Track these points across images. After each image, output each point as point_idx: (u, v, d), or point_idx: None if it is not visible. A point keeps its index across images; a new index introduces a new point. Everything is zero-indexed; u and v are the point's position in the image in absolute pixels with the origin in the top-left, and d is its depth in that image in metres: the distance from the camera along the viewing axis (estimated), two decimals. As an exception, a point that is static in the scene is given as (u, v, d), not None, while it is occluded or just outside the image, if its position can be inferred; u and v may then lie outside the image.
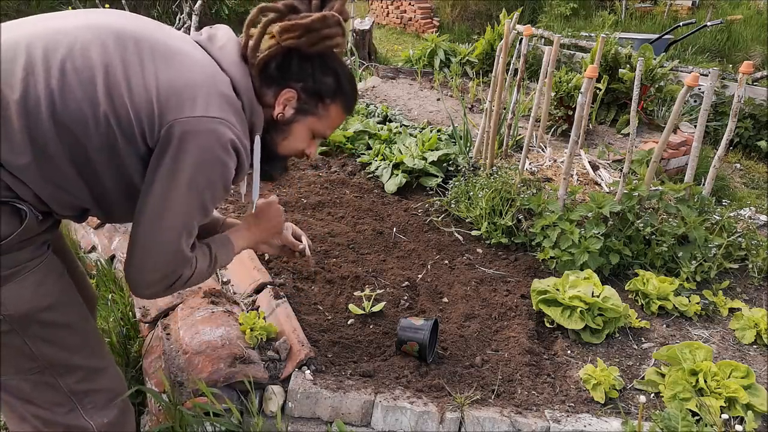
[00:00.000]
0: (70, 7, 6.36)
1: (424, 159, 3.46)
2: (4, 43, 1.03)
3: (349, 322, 2.10)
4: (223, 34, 1.22)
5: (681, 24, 6.81)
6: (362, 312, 2.11)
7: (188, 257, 1.18)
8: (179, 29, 6.70)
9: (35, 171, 1.03)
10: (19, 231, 1.05)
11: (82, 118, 1.03)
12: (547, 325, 2.20)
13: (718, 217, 2.67)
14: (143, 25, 1.14)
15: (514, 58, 3.75)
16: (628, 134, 2.77)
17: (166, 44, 1.12)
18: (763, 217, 3.03)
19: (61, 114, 1.01)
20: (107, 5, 6.49)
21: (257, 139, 1.24)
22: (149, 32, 1.12)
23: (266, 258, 2.40)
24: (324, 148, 3.80)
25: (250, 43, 1.18)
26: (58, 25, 1.07)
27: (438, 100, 5.28)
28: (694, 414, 1.69)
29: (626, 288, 2.44)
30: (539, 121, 3.90)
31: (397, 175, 3.38)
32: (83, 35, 1.06)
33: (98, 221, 2.76)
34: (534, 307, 2.22)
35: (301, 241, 1.65)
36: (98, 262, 2.44)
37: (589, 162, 3.60)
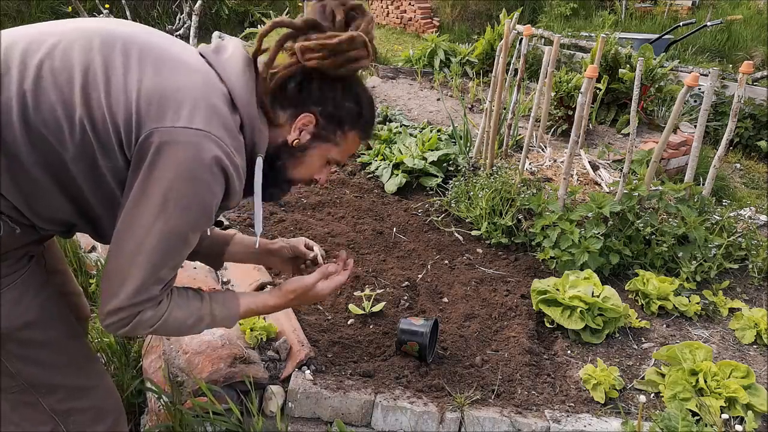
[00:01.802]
0: (69, 8, 6.37)
1: (424, 159, 3.46)
2: None
3: (349, 322, 2.10)
4: (232, 45, 1.12)
5: (681, 24, 6.81)
6: (362, 312, 2.11)
7: (151, 293, 1.03)
8: (179, 29, 6.70)
9: (7, 179, 0.95)
10: None
11: (56, 123, 0.94)
12: (547, 325, 2.20)
13: (718, 217, 2.67)
14: (140, 30, 1.07)
15: (514, 58, 3.75)
16: (628, 134, 2.77)
17: (160, 50, 1.03)
18: (763, 217, 3.03)
19: (33, 118, 0.93)
20: (107, 5, 6.50)
21: (259, 160, 1.11)
22: (143, 37, 1.04)
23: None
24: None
25: (263, 57, 1.08)
26: (47, 28, 1.01)
27: (438, 100, 5.28)
28: (694, 414, 1.69)
29: (626, 288, 2.44)
30: (539, 121, 3.90)
31: (397, 175, 3.38)
32: (69, 36, 0.99)
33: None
34: (534, 307, 2.22)
35: (313, 251, 1.54)
36: (98, 262, 2.44)
37: (589, 162, 3.60)
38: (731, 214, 2.74)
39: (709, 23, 6.67)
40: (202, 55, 1.10)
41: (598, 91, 4.46)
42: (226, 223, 1.67)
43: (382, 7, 10.53)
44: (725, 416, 1.58)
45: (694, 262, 2.49)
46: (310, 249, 1.54)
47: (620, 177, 2.64)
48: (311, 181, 1.25)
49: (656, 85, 4.64)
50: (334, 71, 1.09)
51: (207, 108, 1.00)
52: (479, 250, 2.76)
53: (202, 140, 0.97)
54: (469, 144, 3.80)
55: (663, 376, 1.87)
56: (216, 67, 1.07)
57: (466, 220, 2.97)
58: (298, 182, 1.23)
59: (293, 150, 1.15)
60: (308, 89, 1.11)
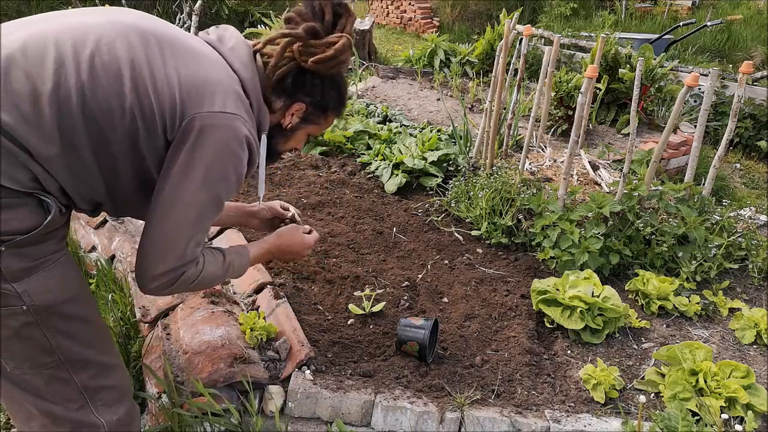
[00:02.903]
0: (69, 7, 6.36)
1: (424, 159, 3.46)
2: (31, 37, 1.06)
3: (349, 322, 2.10)
4: (230, 35, 1.28)
5: (681, 24, 6.81)
6: (362, 312, 2.11)
7: (194, 254, 1.22)
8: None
9: (61, 162, 1.07)
10: (45, 222, 1.08)
11: (110, 110, 1.07)
12: (547, 325, 2.20)
13: (718, 217, 2.67)
14: (160, 24, 1.20)
15: (514, 58, 3.75)
16: (628, 134, 2.77)
17: (183, 43, 1.18)
18: (763, 217, 3.03)
19: (90, 106, 1.06)
20: (106, 4, 6.49)
21: (264, 137, 1.31)
22: (166, 31, 1.18)
23: (266, 258, 2.40)
24: (324, 148, 3.80)
25: (271, 61, 1.25)
26: (81, 22, 1.11)
27: (438, 100, 5.28)
28: (694, 414, 1.69)
29: (626, 288, 2.44)
30: (539, 121, 3.90)
31: (397, 175, 3.38)
32: (108, 32, 1.10)
33: (98, 221, 2.76)
34: (534, 307, 2.22)
35: (289, 210, 1.75)
36: (98, 262, 2.44)
37: (589, 162, 3.60)
38: (731, 214, 2.74)
39: (709, 23, 6.67)
40: (210, 45, 1.25)
41: (598, 91, 4.46)
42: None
43: (382, 7, 10.53)
44: (725, 416, 1.58)
45: (694, 262, 2.49)
46: (286, 210, 1.75)
47: (620, 177, 2.64)
48: (292, 150, 1.48)
49: (656, 85, 4.64)
50: (327, 72, 1.28)
51: (234, 94, 1.17)
52: (479, 250, 2.76)
53: (234, 122, 1.15)
54: (469, 144, 3.80)
55: (663, 376, 1.87)
56: (226, 57, 1.23)
57: (466, 220, 2.97)
58: (282, 153, 1.46)
59: (285, 131, 1.37)
60: (302, 83, 1.30)
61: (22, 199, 1.05)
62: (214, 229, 2.47)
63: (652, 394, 1.87)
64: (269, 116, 1.32)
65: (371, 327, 2.08)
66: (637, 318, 2.22)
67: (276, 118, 1.34)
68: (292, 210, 1.76)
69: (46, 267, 1.12)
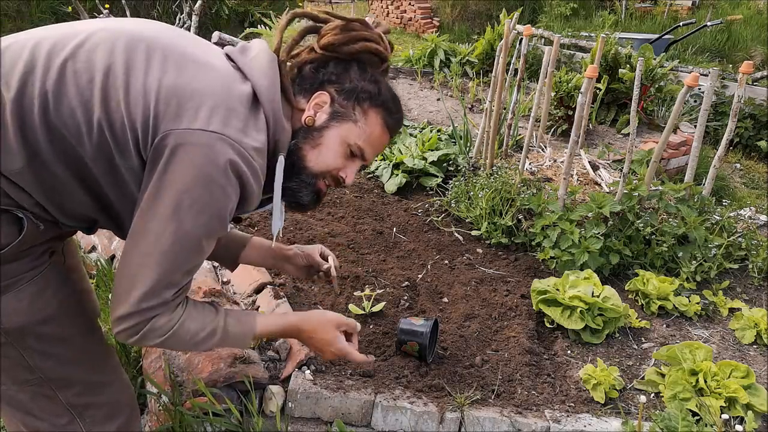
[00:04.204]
0: (69, 8, 6.36)
1: (424, 159, 3.46)
2: (15, 42, 0.98)
3: (349, 322, 2.10)
4: (258, 45, 1.13)
5: (681, 24, 6.81)
6: (362, 312, 2.11)
7: (164, 298, 1.01)
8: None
9: (30, 176, 0.96)
10: (17, 241, 0.99)
11: (75, 124, 0.95)
12: (547, 325, 2.20)
13: (718, 217, 2.67)
14: (165, 31, 1.07)
15: (514, 58, 3.75)
16: (628, 134, 2.77)
17: (185, 51, 1.03)
18: (763, 217, 3.03)
19: (52, 117, 0.94)
20: (107, 5, 6.49)
21: (280, 158, 1.09)
22: (168, 39, 1.04)
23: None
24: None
25: (284, 45, 1.11)
26: (74, 28, 1.02)
27: (438, 100, 5.28)
28: (694, 414, 1.69)
29: (626, 288, 2.44)
30: (539, 121, 3.90)
31: (397, 175, 3.38)
32: (94, 38, 0.99)
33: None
34: (534, 307, 2.22)
35: (327, 261, 1.52)
36: (98, 262, 2.44)
37: (589, 162, 3.60)
38: (731, 214, 2.74)
39: (709, 23, 6.67)
40: (229, 56, 1.10)
41: (598, 91, 4.46)
42: (244, 216, 1.65)
43: (382, 7, 10.53)
44: (725, 416, 1.58)
45: (694, 262, 2.49)
46: (325, 259, 1.52)
47: (620, 177, 2.64)
48: (338, 180, 1.17)
49: (656, 85, 4.64)
50: (347, 48, 1.10)
51: (226, 110, 0.99)
52: (479, 250, 2.76)
53: (216, 143, 0.95)
54: (469, 144, 3.80)
55: (663, 376, 1.87)
56: (242, 66, 1.07)
57: (466, 220, 2.97)
58: (320, 176, 1.15)
59: (309, 130, 1.12)
60: (324, 70, 1.12)
61: None
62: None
63: (652, 394, 1.87)
64: (295, 117, 1.13)
65: (371, 327, 2.08)
66: (637, 318, 2.22)
67: (301, 120, 1.12)
68: (331, 261, 1.52)
69: (18, 287, 1.03)
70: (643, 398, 1.46)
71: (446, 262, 2.64)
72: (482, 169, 3.30)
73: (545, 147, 3.93)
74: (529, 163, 3.57)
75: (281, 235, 1.77)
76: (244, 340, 1.18)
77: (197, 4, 6.28)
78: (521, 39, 3.29)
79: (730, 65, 7.34)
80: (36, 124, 0.94)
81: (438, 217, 3.02)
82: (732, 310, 2.36)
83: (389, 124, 1.17)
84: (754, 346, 2.16)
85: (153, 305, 1.00)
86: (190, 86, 0.98)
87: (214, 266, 2.34)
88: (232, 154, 0.96)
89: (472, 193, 2.96)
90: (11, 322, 1.04)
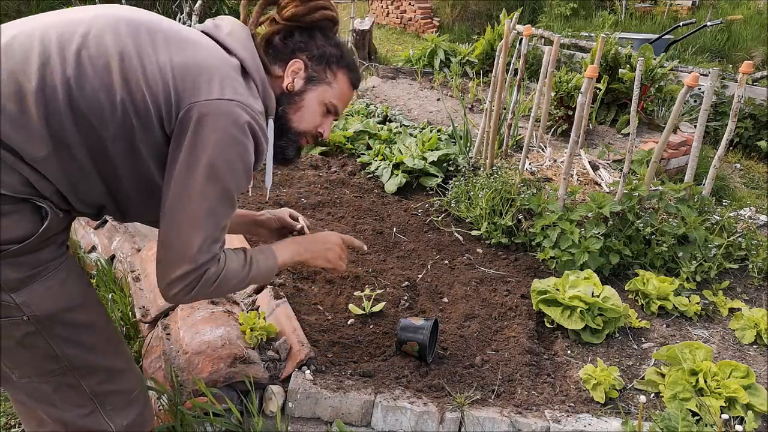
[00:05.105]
0: (69, 6, 6.36)
1: (424, 159, 3.46)
2: (17, 36, 1.02)
3: (349, 322, 2.10)
4: (227, 22, 1.23)
5: (681, 24, 6.81)
6: (362, 312, 2.11)
7: (213, 252, 1.13)
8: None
9: (54, 163, 1.02)
10: (42, 230, 1.04)
11: (99, 105, 1.03)
12: (547, 325, 2.20)
13: (718, 217, 2.67)
14: (152, 15, 1.16)
15: (514, 58, 3.75)
16: (628, 134, 2.77)
17: (177, 32, 1.13)
18: (763, 217, 3.03)
19: (78, 102, 1.01)
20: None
21: (270, 122, 1.24)
22: (158, 21, 1.14)
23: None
24: (324, 148, 3.80)
25: (250, 18, 1.24)
26: (70, 17, 1.08)
27: (438, 100, 5.28)
28: (694, 414, 1.69)
29: (626, 288, 2.44)
30: (539, 121, 3.90)
31: (397, 175, 3.38)
32: (96, 25, 1.06)
33: (98, 222, 2.76)
34: (534, 307, 2.22)
35: (299, 221, 1.65)
36: (98, 262, 2.44)
37: (589, 162, 3.60)
38: (731, 214, 2.74)
39: (709, 23, 6.67)
40: (206, 34, 1.20)
41: (598, 91, 4.46)
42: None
43: (382, 7, 10.53)
44: (725, 416, 1.58)
45: (694, 262, 2.49)
46: (296, 219, 1.65)
47: (620, 177, 2.64)
48: (316, 137, 1.33)
49: (656, 85, 4.64)
50: (309, 17, 1.24)
51: (232, 80, 1.11)
52: (479, 250, 2.76)
53: (234, 109, 1.08)
54: (469, 144, 3.80)
55: (663, 376, 1.87)
56: (224, 42, 1.17)
57: (466, 220, 2.97)
58: (303, 134, 1.31)
59: (291, 96, 1.26)
60: (292, 39, 1.25)
61: (16, 205, 1.02)
62: None
63: (652, 394, 1.87)
64: (275, 86, 1.25)
65: (371, 327, 2.08)
66: (637, 318, 2.22)
67: (280, 86, 1.25)
68: (302, 221, 1.65)
69: (45, 276, 1.09)
70: (643, 398, 1.46)
71: (446, 262, 2.64)
72: (482, 169, 3.30)
73: (545, 147, 3.93)
74: (529, 163, 3.57)
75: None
76: (272, 271, 1.31)
77: (197, 4, 6.28)
78: (521, 39, 3.29)
79: (730, 65, 7.34)
80: (62, 111, 1.00)
81: (438, 217, 3.02)
82: (732, 310, 2.36)
83: (353, 80, 1.33)
84: (754, 346, 2.16)
85: (207, 260, 1.12)
86: (195, 62, 1.09)
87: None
88: (247, 116, 1.10)
89: (472, 193, 2.96)
90: (41, 309, 1.09)
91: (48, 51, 1.01)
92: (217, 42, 1.17)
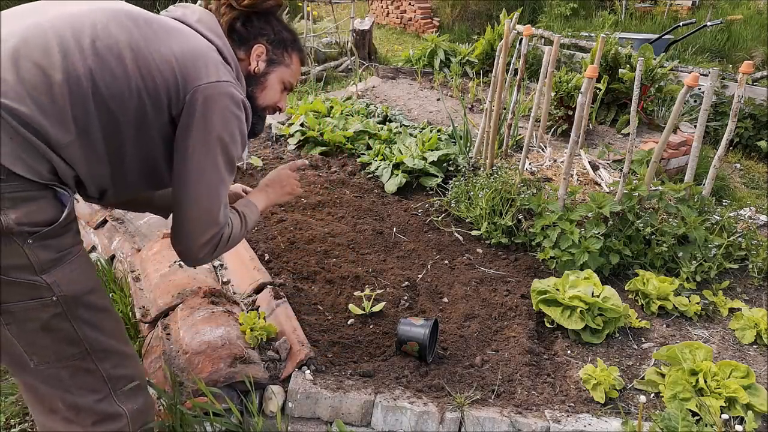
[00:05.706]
0: None
1: (424, 159, 3.46)
2: (29, 28, 1.08)
3: (349, 322, 2.10)
4: (193, 10, 1.33)
5: (681, 24, 6.81)
6: (362, 312, 2.11)
7: (227, 215, 1.31)
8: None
9: (77, 149, 1.11)
10: (65, 213, 1.11)
11: (119, 92, 1.12)
12: (547, 325, 2.20)
13: (718, 217, 2.67)
14: (138, 7, 1.25)
15: (514, 58, 3.75)
16: (628, 134, 2.77)
17: (165, 22, 1.23)
18: (763, 217, 3.03)
19: (101, 90, 1.10)
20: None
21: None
22: (147, 13, 1.24)
23: (266, 258, 2.40)
24: (324, 148, 3.80)
25: (211, 6, 1.35)
26: (71, 9, 1.15)
27: (438, 100, 5.28)
28: (694, 414, 1.70)
29: (626, 288, 2.44)
30: (539, 121, 3.90)
31: (397, 175, 3.38)
32: (99, 17, 1.14)
33: (98, 221, 2.76)
34: (534, 307, 2.22)
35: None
36: (98, 262, 2.44)
37: (589, 162, 3.60)
38: (731, 214, 2.74)
39: (709, 23, 6.67)
40: (181, 22, 1.29)
41: (598, 91, 4.46)
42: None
43: (382, 7, 10.53)
44: (725, 416, 1.58)
45: (694, 262, 2.49)
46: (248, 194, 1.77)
47: (620, 177, 2.64)
48: (275, 109, 1.49)
49: (656, 85, 4.64)
50: (265, 4, 1.35)
51: (220, 63, 1.24)
52: (479, 250, 2.76)
53: (230, 88, 1.22)
54: (469, 144, 3.80)
55: (663, 376, 1.87)
56: (197, 29, 1.27)
57: (466, 220, 2.97)
58: (266, 109, 1.47)
59: (256, 77, 1.40)
60: (252, 25, 1.37)
61: (42, 191, 1.08)
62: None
63: (652, 394, 1.87)
64: (242, 66, 1.37)
65: (371, 327, 2.08)
66: (637, 318, 2.22)
67: (245, 68, 1.38)
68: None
69: (70, 259, 1.16)
70: (643, 398, 1.46)
71: (446, 262, 2.64)
72: (482, 169, 3.30)
73: (545, 147, 3.93)
74: (529, 163, 3.57)
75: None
76: (257, 220, 1.52)
77: (197, 5, 6.28)
78: (521, 39, 3.29)
79: (730, 65, 7.34)
80: (85, 99, 1.09)
81: (438, 217, 3.02)
82: (732, 310, 2.36)
83: (302, 59, 1.50)
84: (754, 346, 2.16)
85: (224, 224, 1.30)
86: (190, 49, 1.20)
87: (213, 267, 2.34)
88: (239, 94, 1.24)
89: (472, 193, 2.96)
90: (69, 289, 1.15)
91: (66, 43, 1.08)
92: (193, 28, 1.28)
